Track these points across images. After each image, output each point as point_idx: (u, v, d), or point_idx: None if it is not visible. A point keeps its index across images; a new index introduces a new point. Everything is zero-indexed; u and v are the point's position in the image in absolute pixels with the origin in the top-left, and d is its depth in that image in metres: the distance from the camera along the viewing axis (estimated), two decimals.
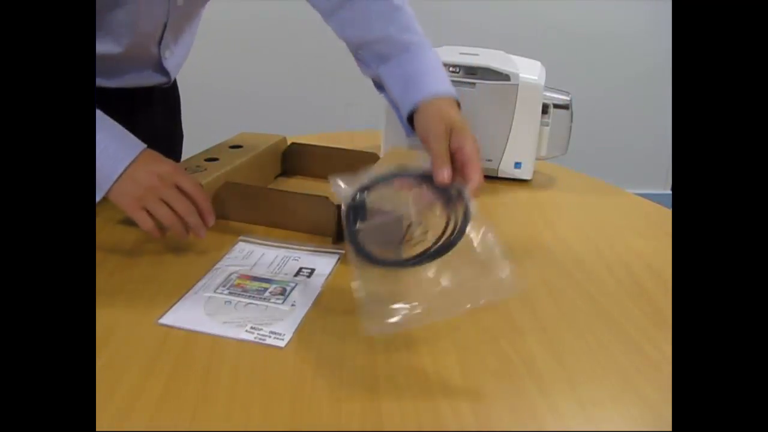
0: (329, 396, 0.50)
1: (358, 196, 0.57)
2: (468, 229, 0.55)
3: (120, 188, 0.68)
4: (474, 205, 0.57)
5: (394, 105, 0.78)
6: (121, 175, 0.68)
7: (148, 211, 0.68)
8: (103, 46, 0.79)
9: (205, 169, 0.84)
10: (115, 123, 0.70)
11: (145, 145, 0.71)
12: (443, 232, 0.57)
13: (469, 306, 0.51)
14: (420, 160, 0.62)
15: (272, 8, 2.22)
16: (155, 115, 0.99)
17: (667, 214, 0.93)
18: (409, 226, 0.58)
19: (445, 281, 0.53)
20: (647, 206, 0.96)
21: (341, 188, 0.58)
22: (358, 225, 0.57)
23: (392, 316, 0.52)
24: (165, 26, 0.83)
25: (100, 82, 0.83)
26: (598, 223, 0.88)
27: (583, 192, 1.02)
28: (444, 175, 0.59)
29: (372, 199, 0.58)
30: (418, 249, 0.56)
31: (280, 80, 2.35)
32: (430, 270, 0.54)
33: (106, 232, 0.76)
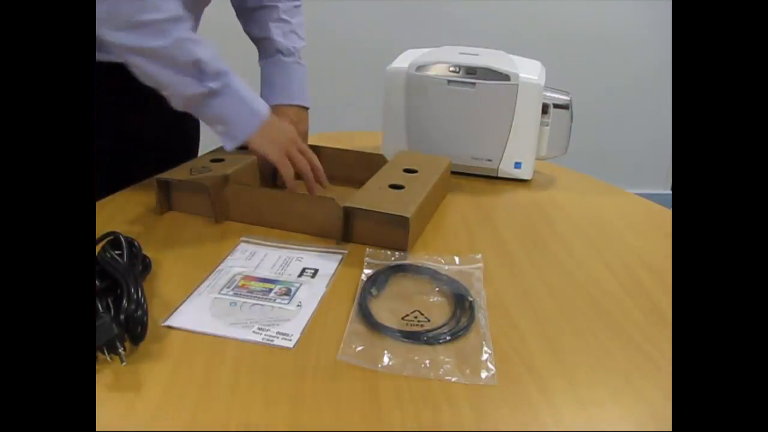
0: (329, 396, 0.50)
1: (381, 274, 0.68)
2: (470, 330, 0.60)
3: (264, 135, 0.79)
4: (484, 319, 0.61)
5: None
6: (263, 123, 0.79)
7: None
8: None
9: (211, 170, 0.84)
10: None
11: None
12: (443, 326, 0.60)
13: (432, 375, 0.53)
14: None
15: None
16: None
17: (667, 214, 0.93)
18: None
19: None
20: (647, 206, 0.97)
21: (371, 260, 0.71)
22: (374, 292, 0.65)
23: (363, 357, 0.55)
24: None
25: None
26: (598, 223, 0.88)
27: (583, 192, 1.02)
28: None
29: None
30: (414, 329, 0.60)
31: None
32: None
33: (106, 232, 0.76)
